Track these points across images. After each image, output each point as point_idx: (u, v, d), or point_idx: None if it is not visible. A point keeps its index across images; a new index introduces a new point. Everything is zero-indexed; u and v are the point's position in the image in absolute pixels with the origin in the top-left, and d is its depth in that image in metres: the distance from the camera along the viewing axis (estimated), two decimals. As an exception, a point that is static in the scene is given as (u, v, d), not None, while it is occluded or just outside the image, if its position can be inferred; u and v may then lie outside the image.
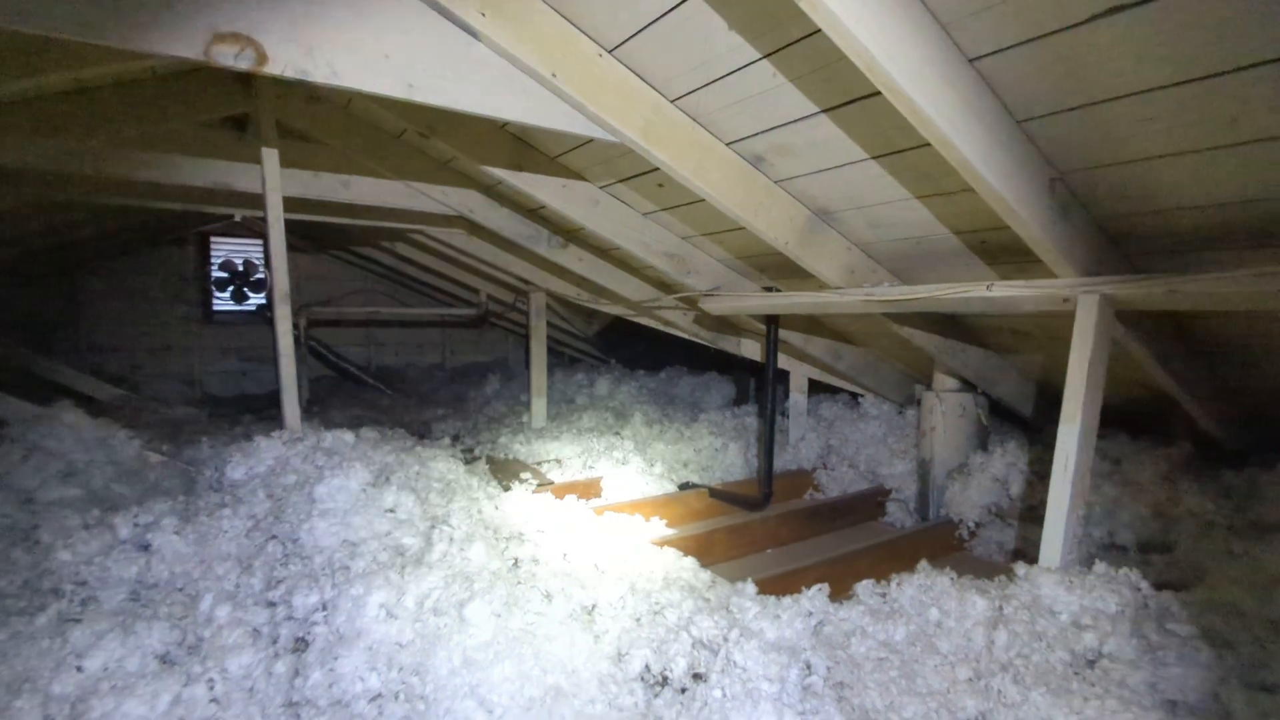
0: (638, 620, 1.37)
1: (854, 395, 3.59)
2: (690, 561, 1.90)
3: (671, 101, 1.80)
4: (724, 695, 1.17)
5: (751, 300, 2.54)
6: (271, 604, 1.52)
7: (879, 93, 1.31)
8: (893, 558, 2.39)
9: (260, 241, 5.27)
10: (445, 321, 6.17)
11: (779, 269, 2.67)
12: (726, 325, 3.49)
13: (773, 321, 2.78)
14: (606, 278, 3.29)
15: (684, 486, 3.12)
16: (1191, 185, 1.47)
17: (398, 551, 1.60)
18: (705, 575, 1.85)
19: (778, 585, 1.92)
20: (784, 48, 1.51)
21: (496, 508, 2.10)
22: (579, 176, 2.47)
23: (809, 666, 1.37)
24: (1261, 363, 2.07)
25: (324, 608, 1.39)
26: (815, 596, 1.64)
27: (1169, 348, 2.04)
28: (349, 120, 2.65)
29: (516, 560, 1.53)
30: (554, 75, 1.63)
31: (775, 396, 2.91)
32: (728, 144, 1.91)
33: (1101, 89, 1.31)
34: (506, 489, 2.44)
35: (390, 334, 6.07)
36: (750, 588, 1.78)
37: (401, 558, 1.59)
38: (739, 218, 2.00)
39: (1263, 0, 1.04)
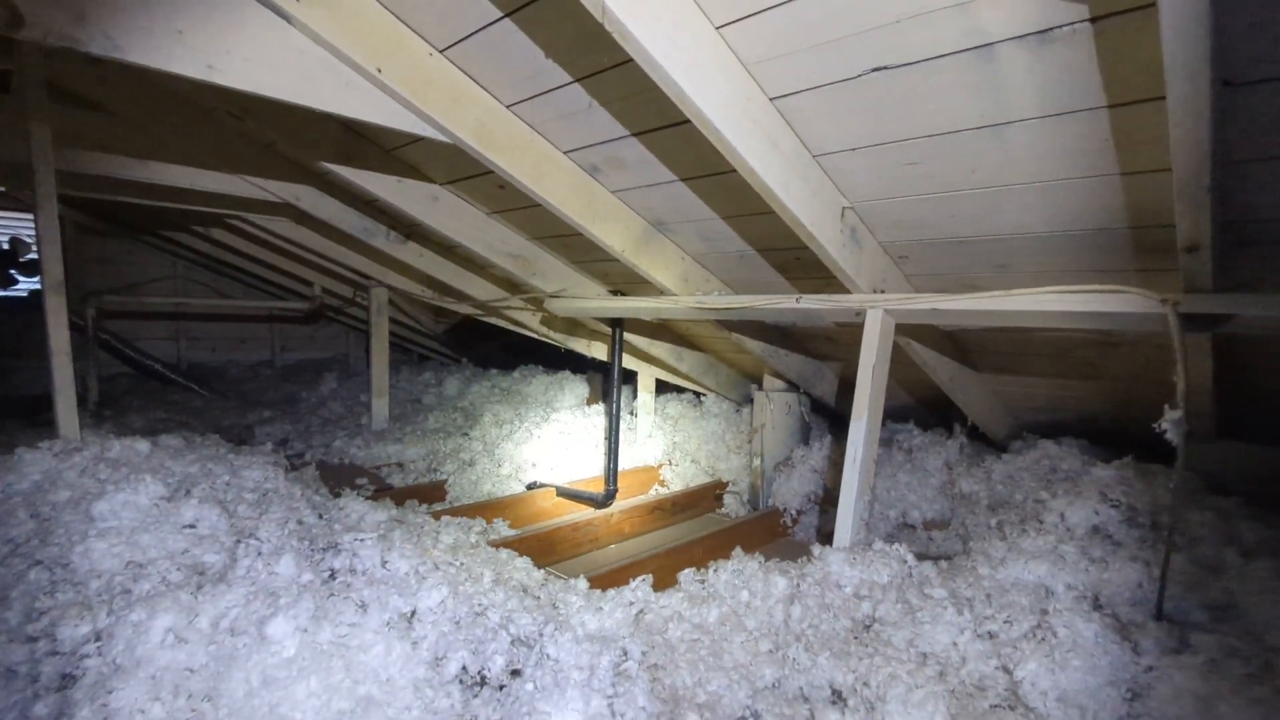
0: (458, 623, 1.38)
1: (697, 394, 3.80)
2: (524, 561, 1.93)
3: (507, 107, 1.82)
4: (535, 688, 1.22)
5: (595, 303, 2.62)
6: (32, 639, 1.34)
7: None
8: (725, 546, 2.58)
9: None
10: (275, 316, 5.66)
11: (624, 274, 2.78)
12: (578, 326, 3.55)
13: (618, 324, 2.88)
14: (452, 276, 3.22)
15: (531, 486, 3.15)
16: (945, 221, 1.75)
17: (195, 570, 1.48)
18: (539, 574, 1.89)
19: (612, 579, 2.01)
20: (599, 72, 1.58)
21: (320, 517, 1.99)
22: (418, 171, 2.40)
23: (625, 653, 1.46)
24: (1015, 366, 2.49)
25: (98, 637, 1.25)
26: (638, 587, 1.74)
27: (942, 354, 2.39)
28: (148, 89, 2.36)
29: (333, 571, 1.47)
30: (379, 70, 1.58)
31: (620, 396, 3.02)
32: (565, 152, 1.96)
33: (876, 134, 1.52)
34: (336, 496, 2.32)
35: (207, 328, 5.44)
36: (581, 583, 1.85)
37: (200, 576, 1.47)
38: (577, 225, 2.06)
39: (982, 80, 1.27)
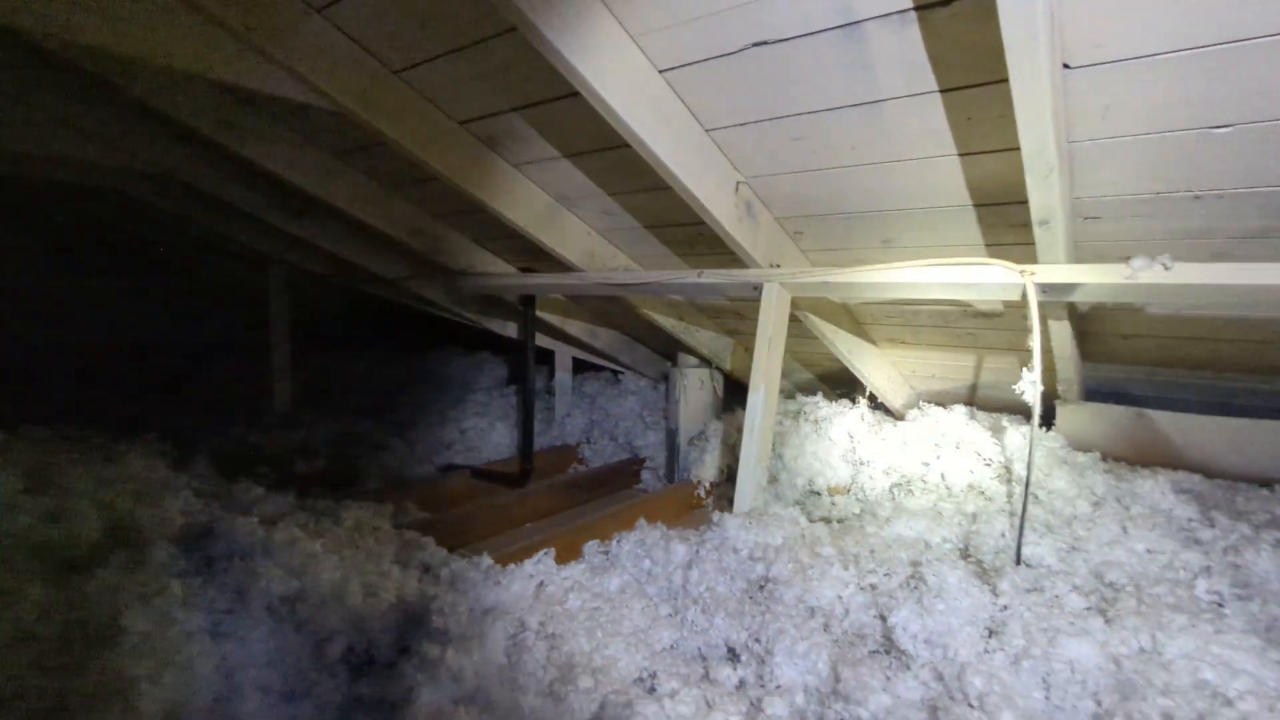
0: (346, 604, 1.35)
1: (615, 372, 3.83)
2: (427, 541, 1.90)
3: (394, 73, 1.75)
4: (422, 663, 1.21)
5: (501, 280, 2.58)
6: None
7: (580, 91, 1.41)
8: (636, 520, 2.63)
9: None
10: (169, 297, 5.26)
11: (531, 251, 2.74)
12: (493, 306, 3.49)
13: (529, 302, 2.85)
14: (355, 253, 3.09)
15: (446, 469, 3.09)
16: (833, 196, 1.81)
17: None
18: (442, 554, 1.87)
19: (518, 556, 2.01)
20: (488, 39, 1.54)
21: (206, 505, 1.89)
22: (309, 140, 2.27)
23: (522, 623, 1.47)
24: (907, 338, 2.63)
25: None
26: (541, 560, 1.75)
27: (840, 327, 2.49)
28: None
29: (210, 558, 1.40)
30: (249, 29, 1.48)
31: (533, 375, 3.00)
32: (461, 123, 1.91)
33: (762, 109, 1.56)
34: (231, 484, 2.20)
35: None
36: (485, 561, 1.84)
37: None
38: (477, 198, 2.01)
39: (853, 58, 1.32)
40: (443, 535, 2.25)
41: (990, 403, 2.73)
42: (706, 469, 3.11)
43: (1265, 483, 2.16)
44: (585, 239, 2.38)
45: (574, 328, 3.24)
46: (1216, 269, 1.44)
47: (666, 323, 2.86)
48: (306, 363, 4.29)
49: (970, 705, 1.28)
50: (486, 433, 3.37)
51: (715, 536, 1.84)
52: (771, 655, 1.51)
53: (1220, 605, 1.44)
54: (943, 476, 2.07)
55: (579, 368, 3.77)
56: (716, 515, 1.89)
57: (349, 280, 3.55)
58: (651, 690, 1.43)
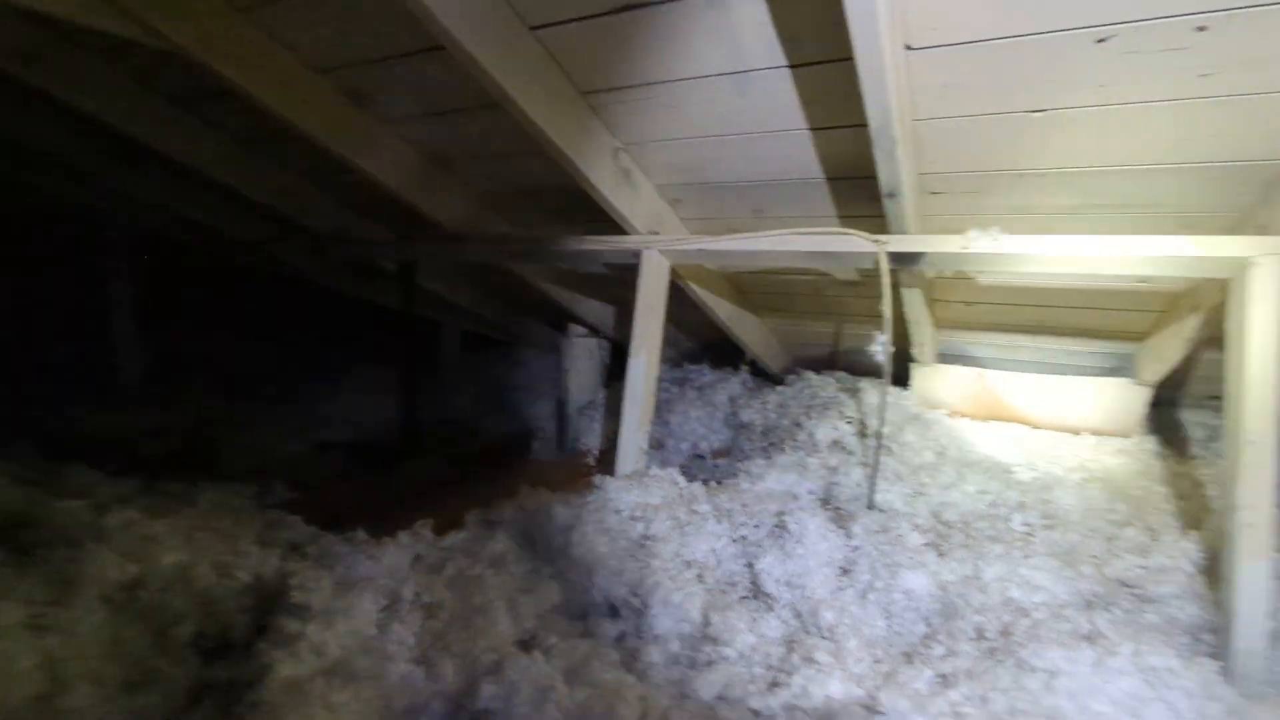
0: (194, 587, 1.26)
1: (506, 344, 3.76)
2: (294, 519, 1.81)
3: (241, 11, 1.59)
4: (279, 640, 1.16)
5: (375, 246, 2.45)
6: None
7: (444, 42, 1.35)
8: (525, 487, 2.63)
9: None
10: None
11: (415, 215, 2.61)
12: (373, 274, 3.30)
13: (409, 270, 2.73)
14: (209, 215, 2.81)
15: (322, 446, 2.93)
16: (707, 165, 1.86)
17: None
18: (310, 531, 1.78)
19: (400, 528, 1.95)
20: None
21: (33, 494, 1.68)
22: (141, 84, 2.02)
23: (396, 595, 1.44)
24: (782, 306, 2.77)
25: None
26: (418, 532, 1.72)
27: (720, 295, 2.58)
28: None
29: (26, 547, 1.26)
30: (51, -55, 1.29)
31: (416, 346, 2.89)
32: (320, 71, 1.77)
33: (636, 75, 1.56)
34: (59, 467, 1.97)
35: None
36: (359, 535, 1.78)
37: None
38: (342, 156, 1.89)
39: (719, 26, 1.35)
40: (315, 514, 2.14)
41: (858, 366, 2.94)
42: (595, 438, 3.15)
43: (1076, 431, 2.49)
44: (465, 204, 2.30)
45: (461, 298, 3.14)
46: (1038, 240, 1.62)
47: (554, 292, 2.84)
48: (165, 337, 3.89)
49: (822, 637, 1.40)
50: (367, 407, 3.22)
51: (597, 499, 1.87)
52: (649, 608, 1.57)
53: (1030, 535, 1.65)
54: (810, 434, 2.22)
55: (469, 340, 3.67)
56: (598, 479, 1.92)
57: (210, 248, 3.23)
58: (529, 649, 1.45)
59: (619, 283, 2.96)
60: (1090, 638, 1.16)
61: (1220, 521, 1.50)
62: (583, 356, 3.20)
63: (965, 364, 2.61)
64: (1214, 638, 1.41)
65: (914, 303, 2.12)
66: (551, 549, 1.78)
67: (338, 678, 1.06)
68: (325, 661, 1.10)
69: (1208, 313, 1.80)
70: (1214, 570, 1.52)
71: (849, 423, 2.21)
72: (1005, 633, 1.23)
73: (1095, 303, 2.07)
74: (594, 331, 3.24)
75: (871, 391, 2.45)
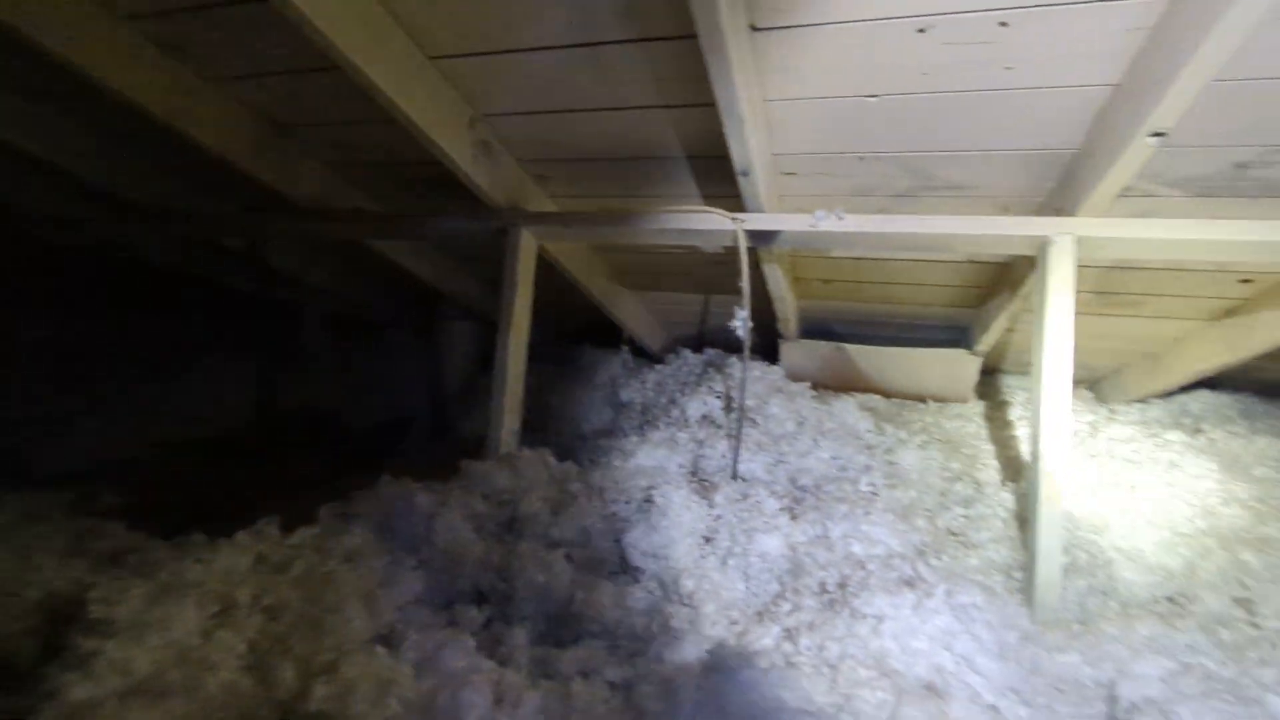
0: None
1: (378, 327, 3.55)
2: (115, 527, 1.61)
3: (8, -62, 1.36)
4: (77, 660, 1.03)
5: (212, 221, 2.21)
6: None
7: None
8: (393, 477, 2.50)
9: None
10: None
11: (260, 186, 2.38)
12: (221, 252, 2.98)
13: (257, 246, 2.49)
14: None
15: (161, 445, 2.64)
16: (572, 140, 1.82)
17: None
18: (134, 538, 1.60)
19: (243, 526, 1.79)
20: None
21: None
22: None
23: (230, 599, 1.32)
24: (656, 284, 2.80)
25: None
26: (261, 531, 1.58)
27: (595, 273, 2.57)
28: None
29: None
30: None
31: (273, 332, 2.66)
32: (124, 19, 1.55)
33: (488, 42, 1.49)
34: None
35: None
36: (194, 538, 1.62)
37: None
38: (156, 116, 1.67)
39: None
40: (149, 519, 1.93)
41: (732, 343, 3.03)
42: (475, 422, 3.06)
43: (923, 399, 2.71)
44: (313, 175, 2.12)
45: (321, 279, 2.92)
46: (877, 220, 1.72)
47: (425, 273, 2.70)
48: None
49: (683, 604, 1.44)
50: (218, 399, 2.93)
51: (463, 484, 1.82)
52: (516, 591, 1.55)
53: (874, 494, 1.79)
54: (683, 410, 2.28)
55: (337, 325, 3.43)
56: (465, 463, 1.86)
57: (21, 225, 2.77)
58: (388, 644, 1.38)
59: (492, 261, 2.88)
60: (912, 583, 1.27)
61: (1028, 471, 1.69)
62: (458, 339, 3.09)
63: (827, 338, 2.77)
64: (1023, 574, 1.60)
65: (775, 279, 2.21)
66: (415, 539, 1.71)
67: (142, 696, 0.95)
68: (129, 680, 0.98)
69: (1023, 287, 2.01)
70: (1024, 515, 1.72)
71: (718, 397, 2.29)
72: (842, 585, 1.32)
73: (932, 279, 2.25)
74: (470, 314, 3.13)
75: (739, 367, 2.54)
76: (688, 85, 1.52)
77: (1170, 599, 1.51)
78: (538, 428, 2.90)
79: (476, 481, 1.82)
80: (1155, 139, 1.23)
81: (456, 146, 1.68)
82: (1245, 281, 1.92)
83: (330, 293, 3.06)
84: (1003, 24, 1.23)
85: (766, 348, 2.88)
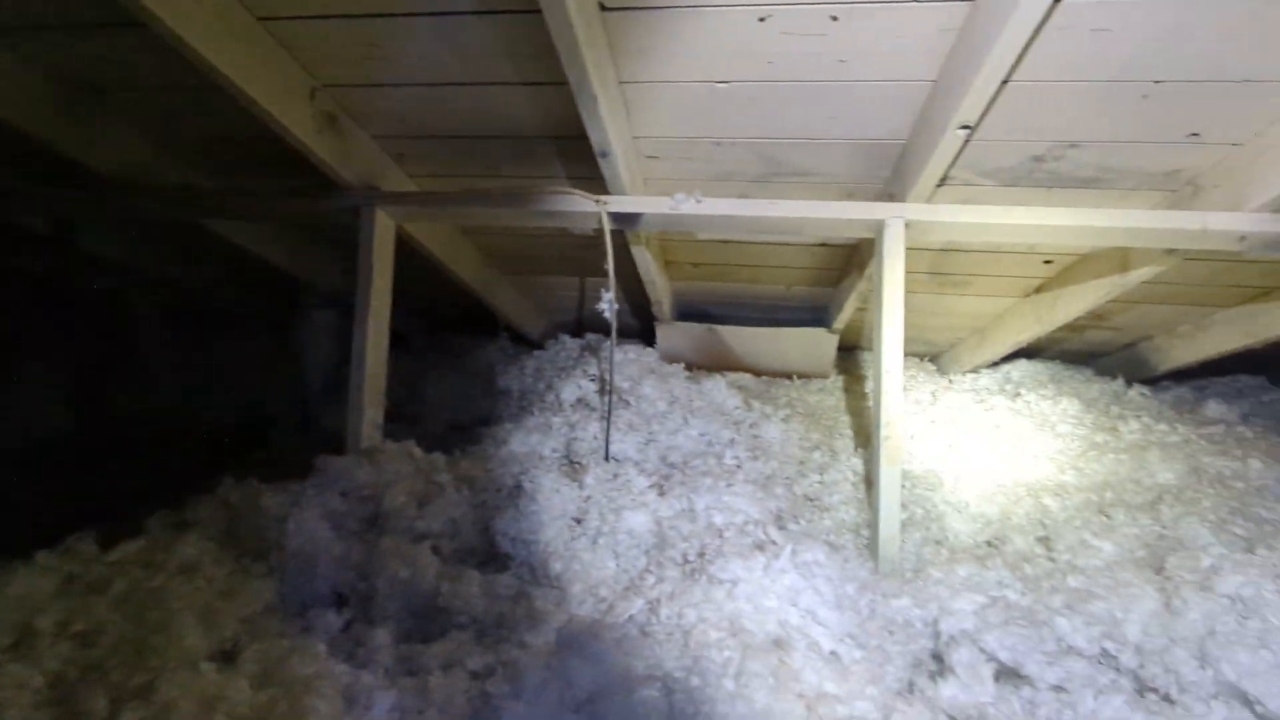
0: None
1: (225, 317, 3.24)
2: None
3: None
4: None
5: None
6: None
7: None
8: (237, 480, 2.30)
9: None
10: None
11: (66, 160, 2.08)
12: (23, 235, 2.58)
13: (64, 227, 2.18)
14: None
15: (-53, 459, 2.26)
16: (431, 117, 1.74)
17: None
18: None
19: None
20: None
21: None
22: None
23: (29, 629, 1.16)
24: (530, 268, 2.75)
25: None
26: (71, 549, 1.41)
27: (466, 257, 2.48)
28: None
29: None
30: None
31: (98, 327, 2.35)
32: None
33: (329, 5, 1.39)
34: None
35: None
36: (-17, 563, 1.40)
37: None
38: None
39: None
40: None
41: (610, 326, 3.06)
42: (339, 416, 2.88)
43: (789, 375, 2.87)
44: (131, 147, 1.88)
45: (153, 266, 2.61)
46: (732, 203, 1.79)
47: (279, 258, 2.49)
48: None
49: (551, 586, 1.44)
50: (31, 405, 2.55)
51: (320, 482, 1.70)
52: (377, 591, 1.48)
53: (738, 467, 1.88)
54: (558, 395, 2.27)
55: (180, 318, 3.08)
56: (321, 460, 1.75)
57: None
58: (227, 658, 1.28)
59: (352, 245, 2.70)
60: (763, 546, 1.35)
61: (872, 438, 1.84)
62: (322, 329, 2.89)
63: (700, 319, 2.85)
64: (868, 531, 1.74)
65: (646, 263, 2.24)
66: (264, 543, 1.58)
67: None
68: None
69: (869, 268, 2.17)
70: (870, 478, 1.87)
71: (592, 380, 2.30)
72: (702, 554, 1.38)
73: (792, 262, 2.38)
74: (335, 302, 2.93)
75: (617, 351, 2.56)
76: (543, 62, 1.49)
77: (988, 542, 1.71)
78: (413, 420, 2.79)
79: (335, 478, 1.71)
80: (963, 131, 1.36)
81: (296, 119, 1.56)
82: (1047, 262, 2.18)
83: (168, 282, 2.75)
84: (834, 18, 1.31)
85: (646, 331, 2.93)
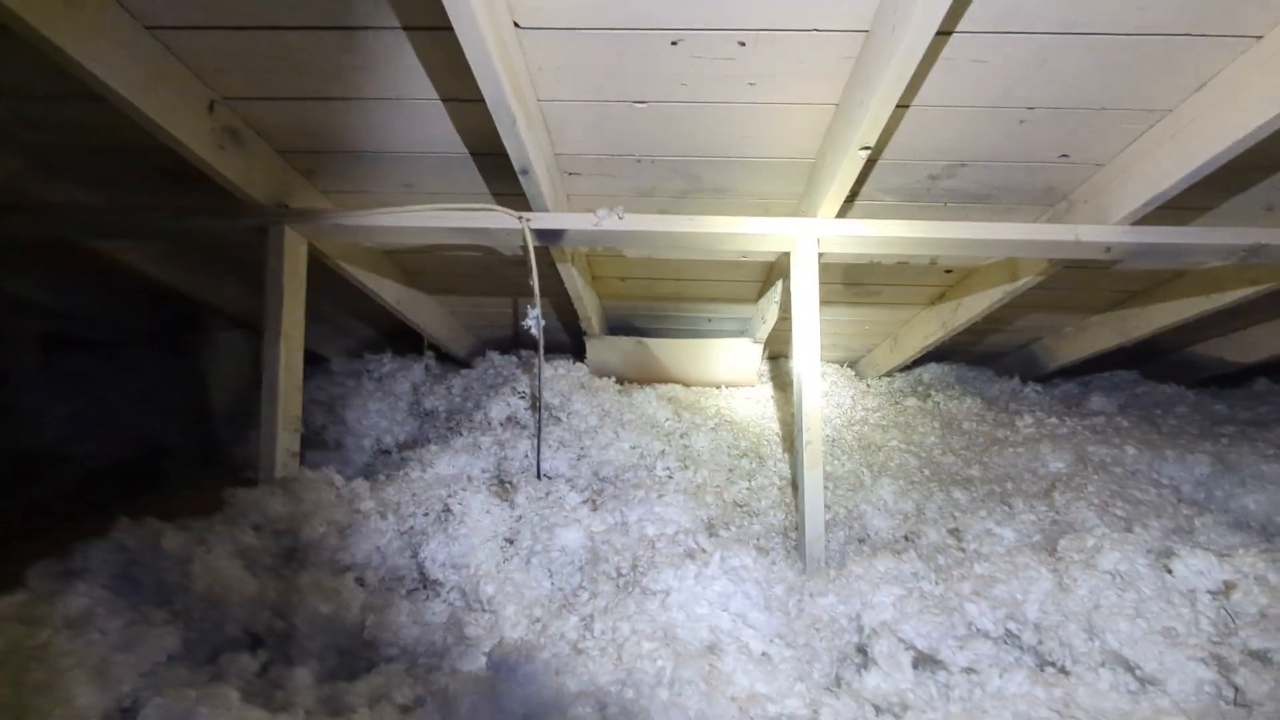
0: None
1: (110, 344, 2.99)
2: None
3: None
4: None
5: None
6: None
7: None
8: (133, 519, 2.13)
9: None
10: None
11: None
12: None
13: (-81, 251, 1.96)
14: None
15: None
16: (343, 131, 1.69)
17: None
18: None
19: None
20: None
21: None
22: None
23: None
24: (455, 286, 2.70)
25: None
26: (-69, 606, 1.26)
27: (384, 276, 2.41)
28: None
29: None
30: None
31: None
32: None
33: (226, 16, 1.32)
34: None
35: None
36: None
37: None
38: None
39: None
40: None
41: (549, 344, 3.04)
42: (250, 445, 2.71)
43: (717, 385, 2.94)
44: (10, 159, 1.72)
45: (26, 289, 2.38)
46: (653, 219, 1.82)
47: (173, 279, 2.33)
48: None
49: (483, 610, 1.41)
50: None
51: (229, 517, 1.60)
52: (296, 629, 1.40)
53: (669, 478, 1.90)
54: (486, 414, 2.23)
55: (59, 345, 2.81)
56: (228, 493, 1.64)
57: None
58: (127, 715, 1.18)
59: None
60: (693, 554, 1.38)
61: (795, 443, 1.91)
62: (226, 354, 2.72)
63: (629, 333, 2.88)
64: (796, 533, 1.80)
65: (572, 278, 2.25)
66: (166, 587, 1.47)
67: None
68: None
69: (786, 279, 2.26)
70: (795, 482, 1.94)
71: (521, 398, 2.27)
72: (634, 566, 1.39)
73: (715, 274, 2.45)
74: (241, 324, 2.77)
75: (547, 366, 2.55)
76: (461, 79, 1.48)
77: (905, 537, 1.81)
78: (333, 446, 2.66)
79: (246, 511, 1.62)
80: (864, 152, 1.45)
81: (191, 132, 1.47)
82: (948, 272, 2.35)
83: (43, 307, 2.51)
84: (741, 43, 1.37)
85: (577, 346, 2.93)
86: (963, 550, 1.67)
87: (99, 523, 1.88)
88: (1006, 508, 1.84)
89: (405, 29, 1.33)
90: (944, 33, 1.29)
